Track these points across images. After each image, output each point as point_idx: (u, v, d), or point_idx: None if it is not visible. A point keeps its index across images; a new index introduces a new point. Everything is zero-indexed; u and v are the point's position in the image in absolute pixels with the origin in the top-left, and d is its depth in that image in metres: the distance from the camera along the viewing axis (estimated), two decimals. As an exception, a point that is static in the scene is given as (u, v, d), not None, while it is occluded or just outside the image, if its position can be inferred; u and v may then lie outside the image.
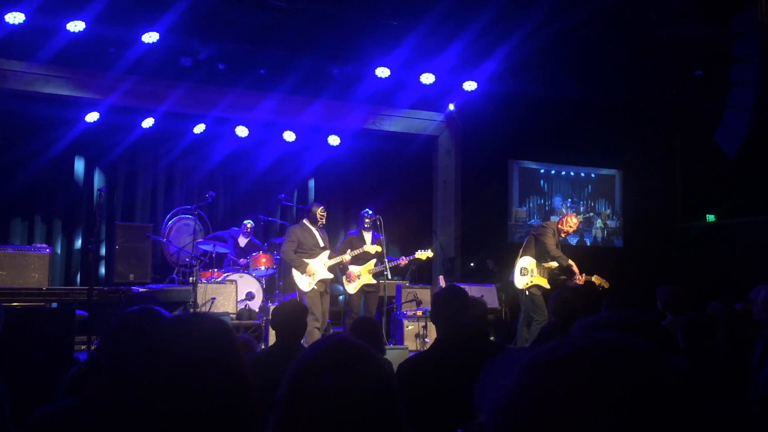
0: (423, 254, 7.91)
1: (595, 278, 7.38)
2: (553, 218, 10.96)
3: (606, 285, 7.40)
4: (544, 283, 7.34)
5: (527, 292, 7.38)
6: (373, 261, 7.71)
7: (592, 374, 0.64)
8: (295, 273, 7.35)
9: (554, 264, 7.34)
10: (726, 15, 7.71)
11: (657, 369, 0.66)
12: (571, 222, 7.51)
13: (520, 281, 7.41)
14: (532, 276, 7.41)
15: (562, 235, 7.55)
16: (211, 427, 1.31)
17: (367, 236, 7.90)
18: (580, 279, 7.25)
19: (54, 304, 7.87)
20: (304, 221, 7.54)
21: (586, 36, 8.60)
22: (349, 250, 7.61)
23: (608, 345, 0.68)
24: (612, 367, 0.65)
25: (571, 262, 7.29)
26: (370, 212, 7.93)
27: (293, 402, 1.27)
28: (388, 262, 7.70)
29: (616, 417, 0.61)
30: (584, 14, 7.91)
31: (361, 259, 7.67)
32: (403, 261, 7.90)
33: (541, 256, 7.41)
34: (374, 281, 7.78)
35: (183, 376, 1.32)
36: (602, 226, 11.38)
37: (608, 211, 11.44)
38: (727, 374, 3.36)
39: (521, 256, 7.53)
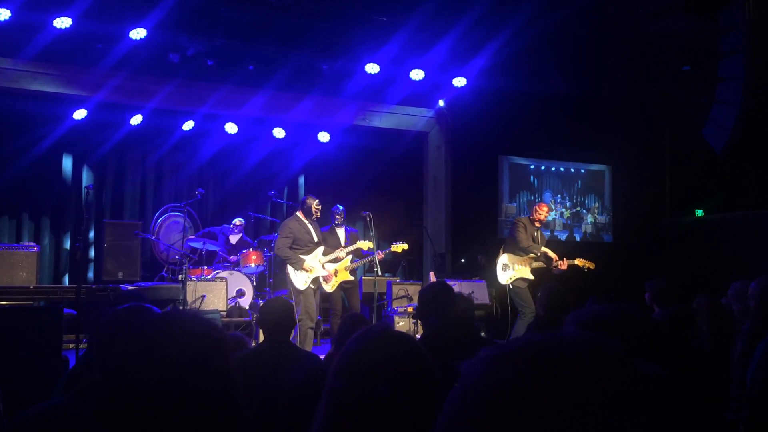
0: (398, 247, 7.92)
1: (578, 261, 7.57)
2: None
3: (591, 266, 7.59)
4: (528, 275, 7.51)
5: (510, 286, 7.57)
6: (349, 257, 7.65)
7: (543, 372, 0.61)
8: (290, 270, 7.18)
9: (531, 256, 7.51)
10: (713, 11, 7.75)
11: (615, 373, 0.62)
12: (541, 210, 7.71)
13: (503, 277, 7.63)
14: (514, 270, 7.58)
15: (537, 225, 7.74)
16: (196, 426, 1.31)
17: (340, 232, 7.87)
18: (562, 264, 7.44)
19: (42, 303, 7.83)
20: (298, 214, 7.38)
21: (575, 32, 8.62)
22: (341, 247, 7.58)
23: (567, 343, 0.64)
24: (564, 367, 0.61)
25: (545, 249, 7.48)
26: (341, 208, 7.93)
27: (345, 396, 1.29)
28: (364, 257, 7.69)
29: (560, 420, 0.58)
30: (573, 10, 7.93)
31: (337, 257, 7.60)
32: (379, 255, 7.85)
33: (516, 251, 7.61)
34: (351, 277, 7.71)
35: (166, 375, 1.31)
36: (592, 221, 11.43)
37: (597, 205, 11.48)
38: (712, 368, 3.38)
39: (501, 254, 7.75)
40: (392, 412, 1.27)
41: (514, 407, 0.59)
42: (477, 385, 0.64)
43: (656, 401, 0.62)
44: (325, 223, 8.27)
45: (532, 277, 7.47)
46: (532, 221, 7.72)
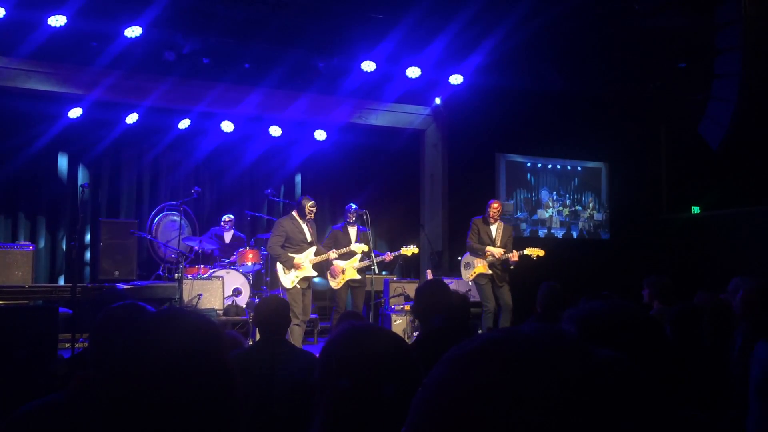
0: (408, 250, 7.94)
1: (527, 250, 7.98)
2: (542, 212, 11.03)
3: (541, 253, 7.97)
4: (486, 270, 7.91)
5: (470, 283, 8.00)
6: (358, 256, 7.68)
7: (499, 370, 0.60)
8: (279, 268, 7.28)
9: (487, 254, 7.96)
10: (709, 6, 7.74)
11: (572, 363, 0.61)
12: (492, 207, 8.10)
13: (465, 274, 8.10)
14: (474, 267, 7.98)
15: (492, 222, 8.11)
16: (193, 424, 1.30)
17: (352, 231, 7.87)
18: (513, 256, 7.84)
19: (38, 302, 7.80)
20: (293, 213, 7.46)
21: (571, 29, 8.61)
22: (334, 249, 7.57)
23: (521, 338, 0.63)
24: (520, 363, 0.60)
25: (490, 249, 7.89)
26: (354, 207, 7.93)
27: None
28: (374, 257, 7.70)
29: (522, 417, 0.57)
30: (569, 7, 7.92)
31: (345, 255, 7.65)
32: (389, 256, 7.87)
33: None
34: (359, 276, 7.72)
35: (165, 372, 1.30)
36: (589, 218, 11.43)
37: (593, 202, 11.47)
38: (712, 363, 3.38)
39: (466, 252, 8.26)
40: (374, 406, 1.28)
41: (474, 407, 0.59)
42: (436, 388, 0.63)
43: (618, 388, 0.61)
44: (336, 221, 8.30)
45: (489, 272, 7.89)
46: (486, 220, 8.10)
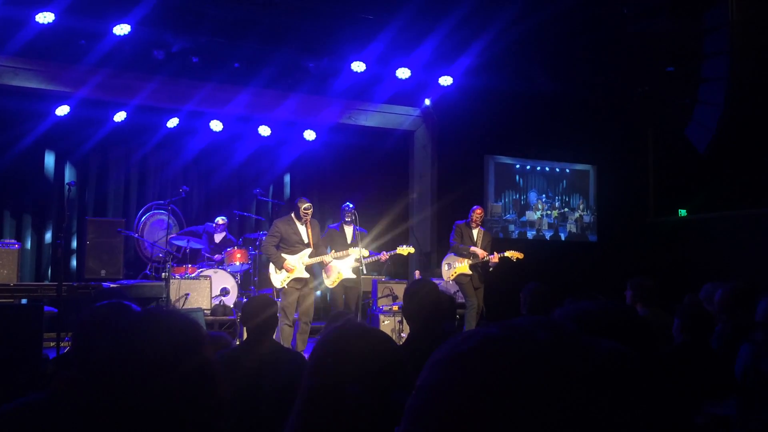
0: (404, 250, 7.96)
1: (508, 253, 8.17)
2: (530, 213, 11.08)
3: (520, 256, 8.18)
4: (467, 270, 8.12)
5: (451, 282, 8.19)
6: (354, 256, 7.61)
7: (501, 370, 0.58)
8: (271, 268, 7.26)
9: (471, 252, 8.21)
10: (697, 11, 7.80)
11: (575, 359, 0.59)
12: (475, 212, 8.34)
13: (446, 274, 8.29)
14: (454, 268, 8.18)
15: (473, 226, 8.32)
16: (175, 423, 1.30)
17: (348, 230, 7.85)
18: (494, 258, 8.05)
19: (24, 301, 7.74)
20: (291, 215, 7.39)
21: (560, 31, 8.65)
22: (333, 251, 7.54)
23: (519, 334, 0.61)
24: (522, 361, 0.58)
25: (473, 249, 8.12)
26: (351, 206, 7.90)
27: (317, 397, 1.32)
28: (368, 257, 7.66)
29: (528, 417, 0.55)
30: (558, 10, 7.96)
31: (341, 257, 7.58)
32: (384, 256, 7.85)
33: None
34: (354, 276, 7.69)
35: (148, 373, 1.30)
36: (577, 220, 11.47)
37: (582, 205, 11.52)
38: (716, 363, 3.43)
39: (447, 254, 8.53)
40: (361, 406, 1.27)
41: (477, 410, 0.57)
42: (434, 392, 0.60)
43: (622, 378, 0.59)
44: (324, 221, 8.26)
45: (470, 272, 8.10)
46: (468, 224, 8.32)
